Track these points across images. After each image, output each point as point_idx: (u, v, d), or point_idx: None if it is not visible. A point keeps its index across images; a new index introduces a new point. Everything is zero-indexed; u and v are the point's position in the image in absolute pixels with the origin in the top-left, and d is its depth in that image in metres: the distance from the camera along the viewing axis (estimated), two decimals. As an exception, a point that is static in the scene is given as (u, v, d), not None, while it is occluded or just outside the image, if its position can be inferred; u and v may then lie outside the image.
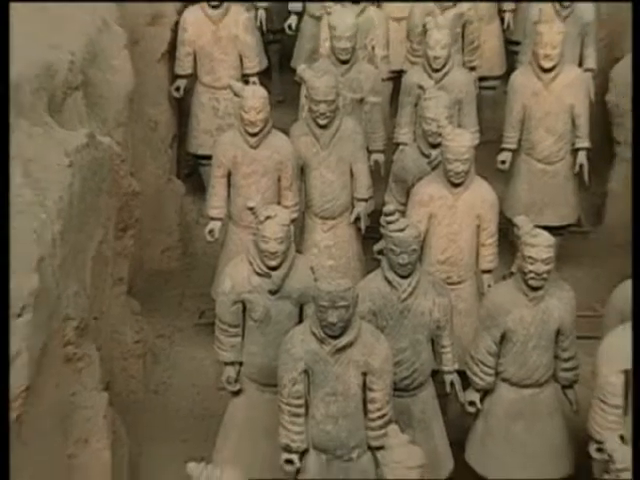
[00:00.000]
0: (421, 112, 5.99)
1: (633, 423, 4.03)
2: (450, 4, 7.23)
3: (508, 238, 5.86)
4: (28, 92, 5.02)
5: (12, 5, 5.69)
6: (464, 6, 7.37)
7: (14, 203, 4.43)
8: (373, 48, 7.26)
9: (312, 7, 8.04)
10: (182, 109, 7.49)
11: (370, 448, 4.47)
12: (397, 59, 7.47)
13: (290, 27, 8.28)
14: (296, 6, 8.17)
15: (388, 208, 5.03)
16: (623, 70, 7.22)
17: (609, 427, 4.41)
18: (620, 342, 4.45)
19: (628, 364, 4.42)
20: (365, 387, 4.44)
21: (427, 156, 5.84)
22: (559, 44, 6.42)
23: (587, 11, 7.31)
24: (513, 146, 6.68)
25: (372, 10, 7.33)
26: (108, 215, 5.49)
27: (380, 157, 6.67)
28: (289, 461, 4.53)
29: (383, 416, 4.44)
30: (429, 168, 5.74)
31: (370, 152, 6.46)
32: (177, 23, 7.19)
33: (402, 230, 4.77)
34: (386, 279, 4.82)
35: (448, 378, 5.00)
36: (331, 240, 6.09)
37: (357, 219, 6.13)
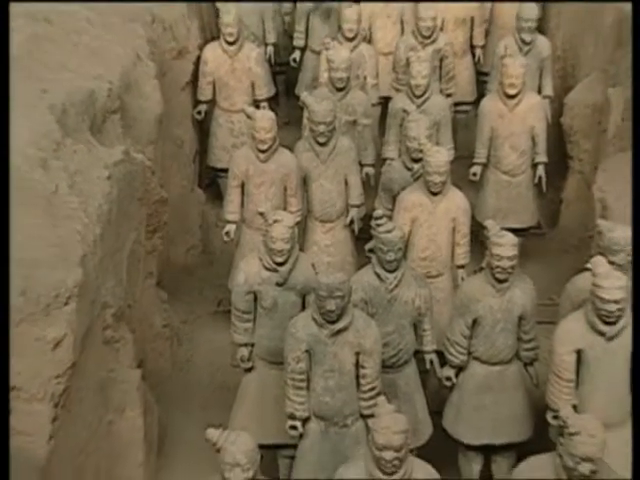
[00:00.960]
0: (405, 132, 5.98)
1: (633, 422, 3.89)
2: (429, 41, 7.24)
3: (479, 238, 5.85)
4: (73, 115, 5.05)
5: (58, 41, 5.68)
6: (441, 42, 7.38)
7: (61, 209, 4.45)
8: (365, 78, 7.27)
9: (313, 43, 8.05)
10: (203, 129, 7.49)
11: (362, 416, 4.47)
12: (385, 87, 7.48)
13: (294, 60, 8.28)
14: (300, 42, 8.19)
15: (377, 213, 5.04)
16: (575, 97, 7.24)
17: (563, 398, 4.43)
18: (573, 326, 4.47)
19: (579, 344, 4.44)
20: (358, 364, 4.45)
21: (410, 169, 5.83)
22: (521, 75, 6.44)
23: (545, 48, 7.33)
24: (483, 161, 6.68)
25: (363, 46, 7.34)
26: (140, 219, 5.50)
27: (370, 170, 6.65)
28: (293, 427, 4.54)
29: (373, 389, 4.45)
30: (412, 179, 5.73)
31: (362, 165, 6.43)
32: (199, 57, 7.19)
33: (389, 232, 4.78)
34: (376, 273, 4.82)
35: (428, 357, 5.02)
36: (329, 240, 6.08)
37: (351, 222, 6.12)
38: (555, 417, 4.42)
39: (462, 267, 5.66)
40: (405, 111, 6.36)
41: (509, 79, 6.43)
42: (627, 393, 4.46)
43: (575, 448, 3.56)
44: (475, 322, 4.82)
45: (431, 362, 5.03)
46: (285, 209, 5.64)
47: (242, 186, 5.89)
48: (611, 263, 4.51)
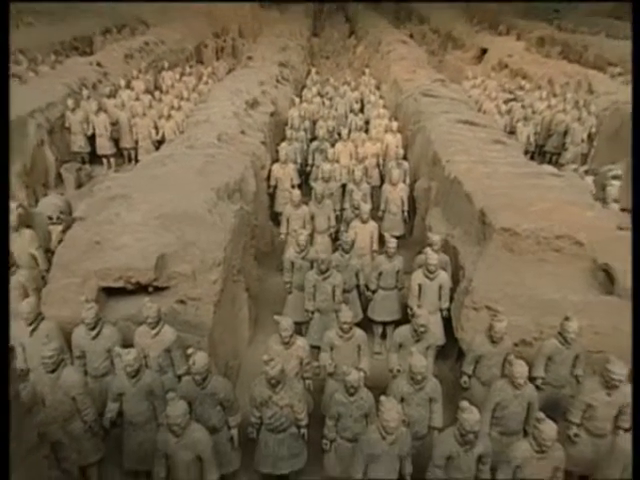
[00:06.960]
0: (352, 197, 5.99)
1: (633, 421, 2.45)
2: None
3: (382, 239, 5.82)
4: (221, 191, 5.01)
5: (215, 163, 5.58)
6: (365, 163, 7.12)
7: (216, 229, 4.39)
8: (336, 177, 6.98)
9: (317, 161, 7.70)
10: (272, 197, 7.38)
11: (335, 311, 4.38)
12: (344, 179, 7.14)
13: (308, 171, 7.96)
14: (310, 162, 7.91)
15: (341, 230, 5.09)
16: (418, 184, 6.90)
17: (415, 303, 4.43)
18: (417, 275, 4.45)
19: (419, 282, 4.39)
20: (334, 291, 4.43)
21: (354, 212, 5.81)
22: (398, 176, 6.25)
23: (406, 166, 6.97)
24: (383, 209, 6.49)
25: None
26: (247, 232, 5.44)
27: (338, 213, 6.55)
28: (307, 314, 4.53)
29: (340, 300, 4.44)
30: (355, 217, 5.68)
31: (334, 210, 6.37)
32: (270, 169, 7.04)
33: (346, 237, 4.77)
34: (340, 254, 4.80)
35: (362, 287, 4.94)
36: (321, 240, 5.95)
37: (331, 233, 6.03)
38: (410, 309, 4.46)
39: (375, 251, 5.56)
40: (352, 190, 6.32)
41: (393, 178, 6.33)
42: (437, 301, 4.43)
43: (418, 320, 3.61)
44: (380, 273, 4.81)
45: (363, 289, 4.98)
46: (304, 228, 5.61)
47: (288, 220, 5.83)
48: (433, 250, 4.53)
